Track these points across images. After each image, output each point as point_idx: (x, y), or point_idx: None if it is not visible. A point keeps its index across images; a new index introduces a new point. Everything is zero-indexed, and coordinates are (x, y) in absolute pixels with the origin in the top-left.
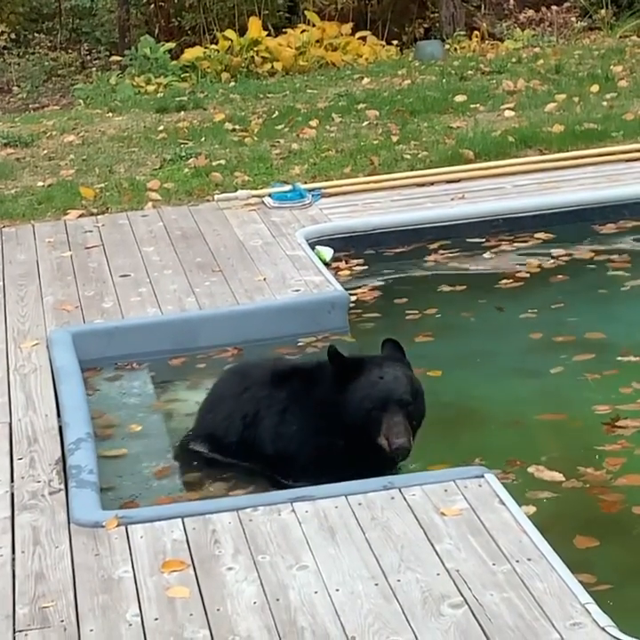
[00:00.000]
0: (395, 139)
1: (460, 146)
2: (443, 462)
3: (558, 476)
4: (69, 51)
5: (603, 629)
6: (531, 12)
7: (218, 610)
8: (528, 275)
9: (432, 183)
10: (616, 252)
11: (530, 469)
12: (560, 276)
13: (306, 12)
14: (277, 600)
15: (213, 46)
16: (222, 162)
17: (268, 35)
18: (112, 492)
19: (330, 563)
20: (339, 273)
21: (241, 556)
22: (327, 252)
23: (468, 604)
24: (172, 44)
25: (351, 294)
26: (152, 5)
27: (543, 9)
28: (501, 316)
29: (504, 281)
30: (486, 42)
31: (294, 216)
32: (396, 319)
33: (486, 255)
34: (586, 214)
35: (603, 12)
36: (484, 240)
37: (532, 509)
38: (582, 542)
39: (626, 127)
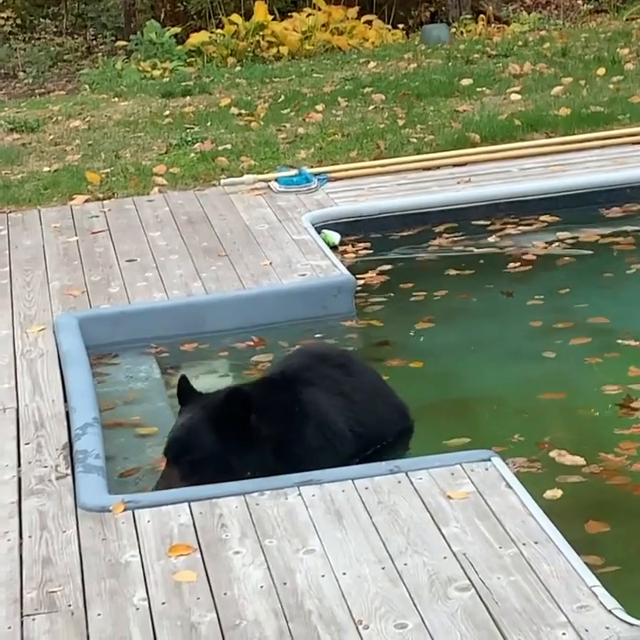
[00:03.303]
0: (401, 122)
1: (466, 129)
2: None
3: (580, 460)
4: (75, 36)
5: (610, 612)
6: None
7: (225, 594)
8: (535, 258)
9: (438, 167)
10: (621, 235)
11: (551, 454)
12: (566, 259)
13: None
14: (284, 584)
15: (219, 31)
16: (228, 146)
17: (273, 19)
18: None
19: (336, 546)
20: (345, 257)
21: (248, 540)
22: (335, 236)
23: (474, 587)
24: (177, 29)
25: (357, 278)
26: None
27: None
28: (509, 301)
29: (511, 265)
30: (492, 25)
31: (300, 200)
32: (402, 303)
33: (492, 239)
34: (592, 197)
35: None
36: (490, 223)
37: (557, 493)
38: (593, 526)
39: (632, 110)
